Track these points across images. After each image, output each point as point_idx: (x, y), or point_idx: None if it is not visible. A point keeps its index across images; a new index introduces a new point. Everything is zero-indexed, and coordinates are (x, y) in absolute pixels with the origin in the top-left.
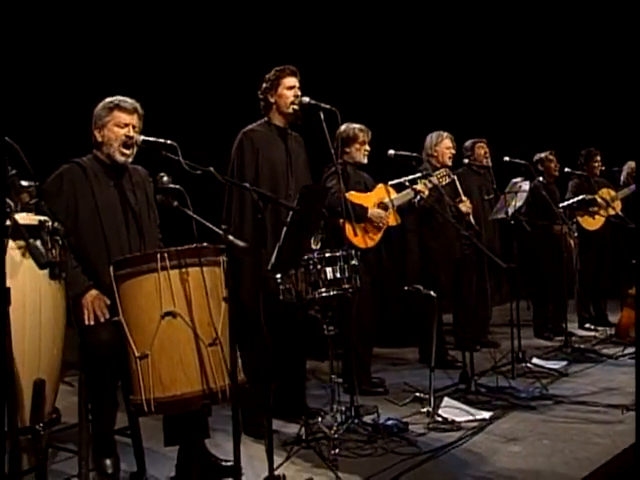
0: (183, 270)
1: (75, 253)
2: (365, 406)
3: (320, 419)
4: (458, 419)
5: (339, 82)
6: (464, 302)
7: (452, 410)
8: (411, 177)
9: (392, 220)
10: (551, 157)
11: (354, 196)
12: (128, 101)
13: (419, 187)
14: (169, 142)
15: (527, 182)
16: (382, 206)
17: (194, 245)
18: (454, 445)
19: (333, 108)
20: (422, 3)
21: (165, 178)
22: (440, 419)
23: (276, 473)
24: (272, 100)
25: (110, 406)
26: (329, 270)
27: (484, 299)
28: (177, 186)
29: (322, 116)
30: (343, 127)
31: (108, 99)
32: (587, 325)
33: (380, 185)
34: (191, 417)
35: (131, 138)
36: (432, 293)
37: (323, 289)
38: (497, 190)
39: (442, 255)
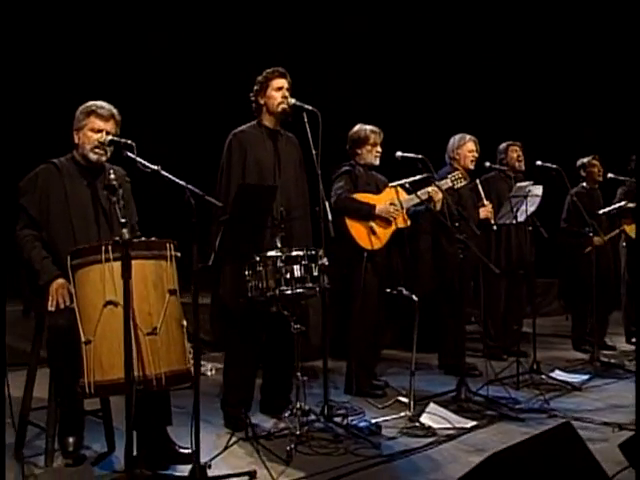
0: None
1: (46, 246)
2: (338, 406)
3: (287, 415)
4: (435, 425)
5: (367, 82)
6: (492, 310)
7: (434, 416)
8: (412, 179)
9: (401, 222)
10: (594, 162)
11: (363, 197)
12: (105, 107)
13: (431, 190)
14: (128, 141)
15: (539, 187)
16: (395, 207)
17: (139, 239)
18: (416, 451)
19: (315, 109)
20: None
21: (112, 175)
22: (417, 424)
23: (247, 469)
24: (262, 102)
25: (69, 387)
26: (294, 268)
27: (515, 308)
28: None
29: (305, 118)
30: (355, 128)
31: (88, 103)
32: (634, 340)
33: (390, 187)
34: (154, 403)
35: (102, 143)
36: (414, 296)
37: (285, 287)
38: None
39: (458, 261)
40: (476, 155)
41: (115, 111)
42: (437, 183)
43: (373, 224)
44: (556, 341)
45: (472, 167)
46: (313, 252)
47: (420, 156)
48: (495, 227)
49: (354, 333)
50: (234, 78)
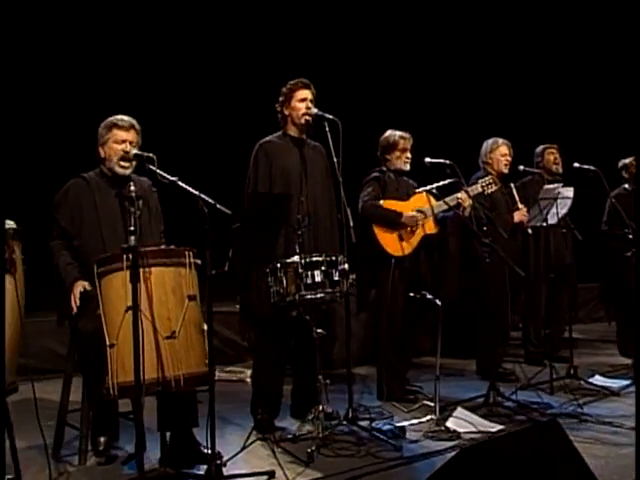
0: (146, 269)
1: (77, 256)
2: (366, 410)
3: (311, 418)
4: (460, 429)
5: (401, 88)
6: (532, 315)
7: (460, 421)
8: (438, 184)
9: (431, 227)
10: (635, 163)
11: (390, 204)
12: (125, 119)
13: (461, 195)
14: (150, 155)
15: (569, 189)
16: (421, 215)
17: (158, 247)
18: (437, 454)
19: (335, 119)
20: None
21: (132, 187)
22: (442, 428)
23: (267, 469)
24: (286, 112)
25: (98, 389)
26: (314, 273)
27: (557, 313)
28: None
29: (327, 127)
30: (385, 134)
31: (109, 119)
32: None
33: (420, 193)
34: (183, 406)
35: (127, 153)
36: (437, 301)
37: (304, 292)
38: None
39: (493, 266)
40: (509, 159)
41: (134, 121)
42: (466, 189)
43: (402, 231)
44: (603, 346)
45: (506, 171)
46: (333, 258)
47: (448, 162)
48: (530, 231)
49: (382, 339)
50: (259, 88)
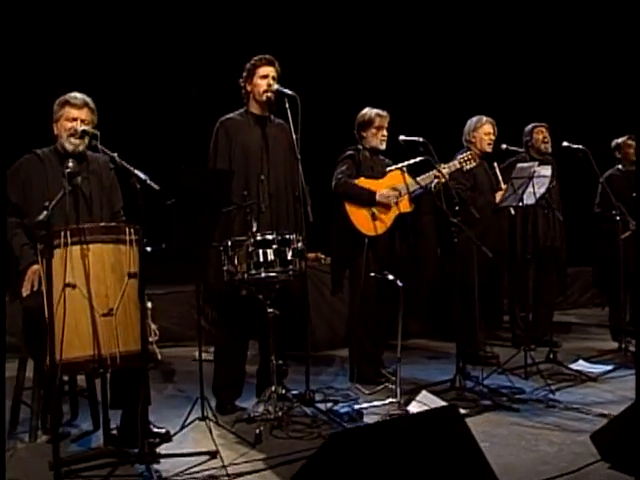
0: (84, 246)
1: (27, 233)
2: (334, 391)
3: (266, 399)
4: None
5: (386, 64)
6: (521, 298)
7: (422, 404)
8: (409, 162)
9: (406, 206)
10: (630, 142)
11: (364, 182)
12: (78, 97)
13: (436, 172)
14: (94, 131)
15: (547, 167)
16: (395, 193)
17: (97, 224)
18: None
19: (294, 94)
20: None
21: (70, 164)
22: (401, 412)
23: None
24: (249, 89)
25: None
26: (265, 252)
27: (545, 296)
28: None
29: (287, 103)
30: (362, 111)
31: (63, 96)
32: None
33: (395, 171)
34: (134, 383)
35: (76, 131)
36: (398, 282)
37: (254, 270)
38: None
39: (471, 246)
40: (493, 138)
41: (89, 100)
42: (440, 166)
43: (375, 209)
44: (597, 331)
45: (489, 150)
46: (287, 236)
47: (421, 139)
48: (513, 211)
49: (354, 320)
50: (231, 65)
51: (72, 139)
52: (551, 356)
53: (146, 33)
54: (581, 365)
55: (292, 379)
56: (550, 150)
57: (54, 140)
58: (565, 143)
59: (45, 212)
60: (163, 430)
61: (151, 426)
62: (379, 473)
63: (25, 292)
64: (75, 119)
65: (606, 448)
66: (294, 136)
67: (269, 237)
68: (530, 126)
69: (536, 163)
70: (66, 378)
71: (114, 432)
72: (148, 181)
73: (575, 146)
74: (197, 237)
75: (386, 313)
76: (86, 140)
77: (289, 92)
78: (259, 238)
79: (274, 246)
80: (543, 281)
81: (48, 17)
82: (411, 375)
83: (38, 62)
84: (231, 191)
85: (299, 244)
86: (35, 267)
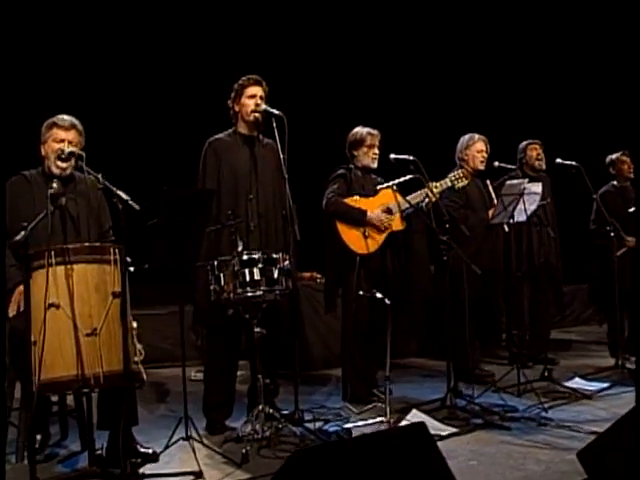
0: (68, 266)
1: (14, 254)
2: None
3: (254, 419)
4: None
5: (378, 84)
6: (516, 316)
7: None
8: (399, 180)
9: (397, 224)
10: (624, 158)
11: (355, 201)
12: (66, 119)
13: (426, 191)
14: (80, 152)
15: (537, 184)
16: (386, 210)
17: (82, 244)
18: None
19: (281, 114)
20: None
21: (54, 185)
22: None
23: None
24: (237, 109)
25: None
26: (250, 271)
27: (541, 314)
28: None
29: (274, 123)
30: (353, 130)
31: (51, 118)
32: None
33: (386, 189)
34: (121, 404)
35: (62, 151)
36: (386, 300)
37: (240, 289)
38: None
39: (467, 265)
40: (485, 155)
41: (77, 122)
42: (435, 183)
43: (366, 228)
44: (596, 349)
45: (482, 168)
46: (274, 255)
47: (412, 157)
48: (507, 228)
49: (347, 339)
50: (220, 85)
51: (59, 162)
52: (546, 374)
53: (134, 54)
54: (577, 383)
55: (284, 399)
56: (544, 167)
57: (42, 162)
58: (558, 160)
59: (23, 232)
60: (150, 450)
61: (138, 446)
62: None
63: (11, 313)
64: (62, 140)
65: (592, 466)
66: (281, 156)
67: (255, 256)
68: (524, 143)
69: (526, 180)
70: (55, 399)
71: (100, 452)
72: (129, 201)
73: (568, 163)
74: (180, 257)
75: (379, 332)
76: (73, 162)
77: (276, 112)
78: (245, 257)
79: (260, 265)
80: (539, 299)
81: (38, 41)
82: (404, 394)
83: (25, 85)
84: (219, 211)
85: (285, 263)
86: (21, 288)
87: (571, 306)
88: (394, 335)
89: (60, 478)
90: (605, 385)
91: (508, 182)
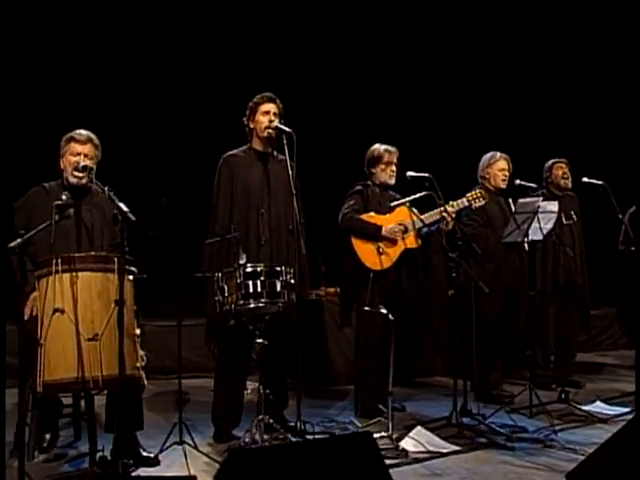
0: (73, 274)
1: (32, 260)
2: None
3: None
4: (412, 449)
5: (401, 102)
6: (540, 337)
7: (415, 440)
8: (411, 198)
9: (412, 242)
10: None
11: (371, 217)
12: (83, 133)
13: (442, 210)
14: (92, 166)
15: (554, 202)
16: (401, 227)
17: (87, 253)
18: None
19: (290, 131)
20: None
21: (63, 197)
22: (392, 446)
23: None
24: (252, 126)
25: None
26: (253, 283)
27: (567, 335)
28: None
29: (284, 140)
30: (371, 147)
31: (69, 133)
32: None
33: (402, 207)
34: (127, 408)
35: (78, 164)
36: (390, 316)
37: (242, 301)
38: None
39: (487, 283)
40: (507, 174)
41: (93, 136)
42: (452, 202)
43: (381, 244)
44: (627, 373)
45: (503, 186)
46: (277, 268)
47: (427, 175)
48: (527, 247)
49: (360, 355)
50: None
51: (75, 172)
52: (563, 396)
53: (148, 68)
54: (597, 407)
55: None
56: (570, 186)
57: (61, 174)
58: (585, 179)
59: (19, 239)
60: (152, 454)
61: (140, 450)
62: None
63: (26, 316)
64: (79, 154)
65: None
66: (290, 172)
67: (258, 269)
68: (550, 162)
69: (540, 198)
70: (70, 401)
71: (104, 454)
72: (128, 213)
73: (595, 182)
74: (178, 268)
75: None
76: (86, 175)
77: (286, 129)
78: (249, 270)
79: (262, 278)
80: (565, 320)
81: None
82: (419, 411)
83: (47, 102)
84: (230, 225)
85: (288, 276)
86: (35, 294)
87: (609, 329)
88: (418, 354)
89: (59, 476)
90: (626, 410)
91: (520, 200)
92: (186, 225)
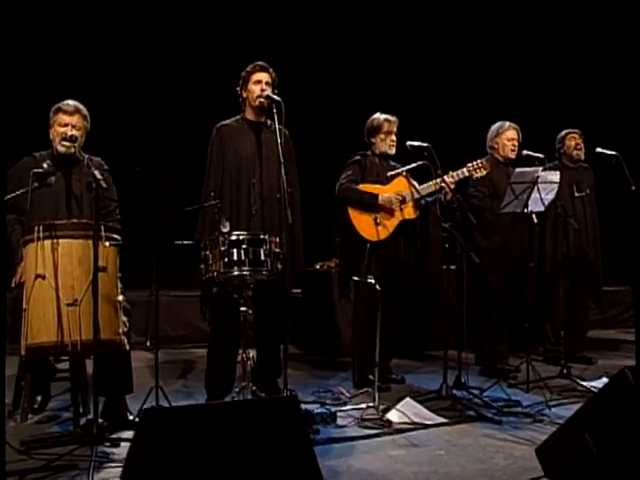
0: (54, 241)
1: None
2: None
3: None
4: (396, 420)
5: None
6: (549, 311)
7: (402, 411)
8: (407, 167)
9: (410, 213)
10: None
11: (368, 187)
12: (70, 104)
13: (439, 180)
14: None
15: (555, 172)
16: (399, 197)
17: (69, 221)
18: (346, 440)
19: (279, 99)
20: None
21: (45, 165)
22: (376, 417)
23: None
24: (244, 95)
25: None
26: (236, 251)
27: (578, 310)
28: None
29: (274, 109)
30: (371, 117)
31: (57, 104)
32: None
33: (400, 177)
34: (115, 372)
35: (66, 134)
36: (377, 287)
37: (223, 269)
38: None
39: (492, 255)
40: (516, 144)
41: (81, 107)
42: (452, 172)
43: (378, 215)
44: None
45: (512, 156)
46: (261, 236)
47: (426, 144)
48: (536, 220)
49: (357, 325)
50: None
51: (63, 142)
52: (565, 371)
53: (144, 43)
54: (602, 383)
55: (300, 382)
56: (583, 157)
57: (50, 144)
58: (599, 149)
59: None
60: (138, 419)
61: (127, 413)
62: (190, 453)
63: (13, 283)
64: (67, 124)
65: (549, 462)
66: (278, 140)
67: (241, 237)
68: (563, 133)
69: (540, 168)
70: (65, 366)
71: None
72: (101, 181)
73: (609, 152)
74: (155, 234)
75: (392, 320)
76: (76, 144)
77: (276, 97)
78: (233, 238)
79: (244, 246)
80: (576, 293)
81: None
82: (417, 383)
83: (40, 73)
84: (222, 194)
85: (273, 245)
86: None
87: (628, 306)
88: (430, 327)
89: (40, 437)
90: None
91: (517, 170)
92: (161, 193)
